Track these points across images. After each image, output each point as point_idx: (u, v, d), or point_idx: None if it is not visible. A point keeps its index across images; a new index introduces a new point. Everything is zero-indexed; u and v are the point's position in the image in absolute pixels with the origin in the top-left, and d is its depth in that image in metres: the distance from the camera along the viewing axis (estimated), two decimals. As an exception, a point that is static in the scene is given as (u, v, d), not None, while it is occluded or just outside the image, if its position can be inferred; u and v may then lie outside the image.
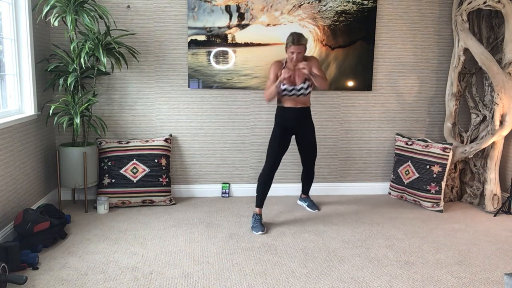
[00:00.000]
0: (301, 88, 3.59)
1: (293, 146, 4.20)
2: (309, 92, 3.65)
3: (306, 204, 4.13)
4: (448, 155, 4.13)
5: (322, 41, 4.31)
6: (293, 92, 3.58)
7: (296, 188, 4.50)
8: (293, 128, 3.71)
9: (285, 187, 4.51)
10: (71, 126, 3.89)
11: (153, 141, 4.15)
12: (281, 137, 3.65)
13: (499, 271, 2.93)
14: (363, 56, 4.39)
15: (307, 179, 4.02)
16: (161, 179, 4.08)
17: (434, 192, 4.16)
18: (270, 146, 3.66)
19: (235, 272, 2.81)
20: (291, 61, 3.53)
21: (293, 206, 4.17)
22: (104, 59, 3.61)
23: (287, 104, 3.64)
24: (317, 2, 4.24)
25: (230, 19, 4.17)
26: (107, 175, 4.01)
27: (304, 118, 3.71)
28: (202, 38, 4.17)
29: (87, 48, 3.57)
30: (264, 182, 3.64)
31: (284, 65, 3.60)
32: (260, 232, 3.49)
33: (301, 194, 4.20)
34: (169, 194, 4.14)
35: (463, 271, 2.91)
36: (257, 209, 3.66)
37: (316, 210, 4.06)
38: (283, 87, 3.56)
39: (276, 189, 4.43)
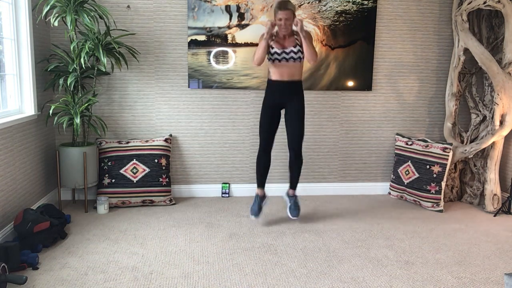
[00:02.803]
0: (291, 51, 3.42)
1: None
2: (300, 61, 3.47)
3: (289, 205, 3.74)
4: (448, 155, 4.13)
5: (322, 41, 4.31)
6: (282, 55, 3.42)
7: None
8: (280, 103, 3.57)
9: (286, 187, 4.50)
10: (71, 126, 3.89)
11: (153, 141, 4.15)
12: (267, 115, 3.57)
13: (499, 271, 2.93)
14: (363, 56, 4.39)
15: (292, 167, 3.69)
16: (161, 179, 4.08)
17: (434, 192, 4.16)
18: (259, 125, 3.61)
19: (235, 272, 2.81)
20: (281, 29, 3.41)
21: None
22: (104, 59, 3.61)
23: (274, 76, 3.49)
24: (317, 2, 4.24)
25: (230, 19, 4.17)
26: (107, 175, 4.01)
27: (292, 93, 3.53)
28: (202, 38, 4.17)
29: (87, 48, 3.57)
30: (259, 162, 3.68)
31: (274, 36, 3.47)
32: (252, 217, 3.60)
33: (288, 189, 3.83)
34: (169, 194, 4.14)
35: (463, 271, 2.91)
36: (257, 190, 3.74)
37: (294, 217, 3.71)
38: (272, 51, 3.43)
39: (277, 188, 4.43)
